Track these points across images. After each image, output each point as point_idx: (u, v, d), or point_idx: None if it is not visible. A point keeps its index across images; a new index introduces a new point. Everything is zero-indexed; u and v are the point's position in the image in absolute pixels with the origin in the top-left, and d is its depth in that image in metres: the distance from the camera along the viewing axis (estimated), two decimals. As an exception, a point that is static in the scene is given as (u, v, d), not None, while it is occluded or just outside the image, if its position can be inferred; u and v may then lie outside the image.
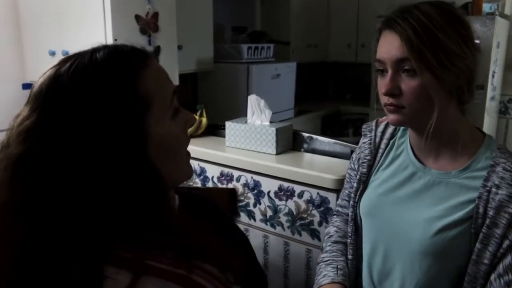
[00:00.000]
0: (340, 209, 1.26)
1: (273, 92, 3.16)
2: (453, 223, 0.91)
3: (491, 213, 0.87)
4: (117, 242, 0.61)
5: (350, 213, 1.15)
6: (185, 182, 0.83)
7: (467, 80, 0.89)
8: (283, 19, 3.66)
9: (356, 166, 1.15)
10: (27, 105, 0.63)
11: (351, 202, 1.14)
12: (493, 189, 0.88)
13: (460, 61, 0.87)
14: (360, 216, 1.11)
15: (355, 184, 1.13)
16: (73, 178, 0.59)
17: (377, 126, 1.13)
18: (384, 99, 0.93)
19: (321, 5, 3.96)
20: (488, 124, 3.16)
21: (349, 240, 1.16)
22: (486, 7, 2.98)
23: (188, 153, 0.76)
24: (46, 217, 0.59)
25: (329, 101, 4.18)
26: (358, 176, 1.13)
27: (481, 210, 0.88)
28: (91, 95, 0.61)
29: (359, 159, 1.14)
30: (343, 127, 3.84)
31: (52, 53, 2.22)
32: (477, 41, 0.92)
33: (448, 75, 0.87)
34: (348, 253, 1.15)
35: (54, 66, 0.65)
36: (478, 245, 0.88)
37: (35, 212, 0.58)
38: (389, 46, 0.90)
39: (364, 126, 1.17)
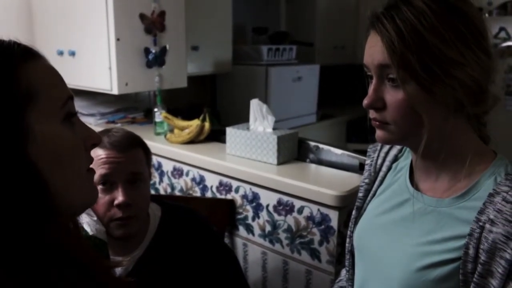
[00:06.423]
0: None
1: (294, 96, 3.02)
2: (437, 262, 0.74)
3: (483, 257, 0.69)
4: None
5: (347, 244, 1.01)
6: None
7: (469, 92, 0.71)
8: (309, 20, 3.52)
9: None
10: None
11: (348, 232, 1.00)
12: (487, 225, 0.69)
13: (458, 70, 0.70)
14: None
15: (353, 212, 0.99)
16: None
17: (382, 147, 0.98)
18: (369, 112, 0.79)
19: (349, 5, 3.78)
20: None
21: (347, 275, 1.01)
22: (527, 7, 2.73)
23: (90, 172, 0.63)
24: None
25: (356, 106, 3.97)
26: (356, 202, 0.99)
27: (471, 251, 0.70)
28: None
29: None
30: (370, 133, 3.64)
31: (60, 53, 2.19)
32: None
33: (440, 87, 0.70)
34: None
35: None
36: None
37: None
38: (371, 49, 0.75)
39: (370, 146, 1.02)
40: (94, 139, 0.63)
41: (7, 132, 0.52)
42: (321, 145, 1.65)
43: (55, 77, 0.60)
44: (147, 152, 1.17)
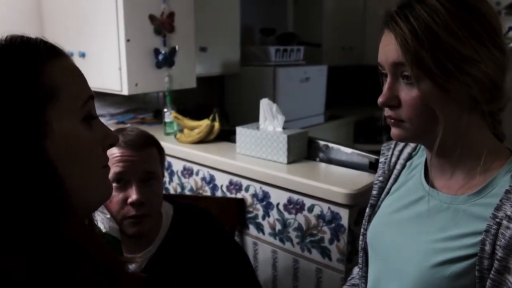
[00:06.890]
0: None
1: (301, 96, 3.03)
2: (453, 259, 0.74)
3: (500, 253, 0.69)
4: None
5: (360, 242, 1.01)
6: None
7: (484, 89, 0.72)
8: (316, 21, 3.52)
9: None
10: None
11: (362, 230, 1.01)
12: (504, 222, 0.69)
13: (472, 67, 0.70)
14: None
15: (367, 209, 1.00)
16: None
17: (396, 145, 0.99)
18: (384, 110, 0.80)
19: (356, 5, 3.78)
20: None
21: (360, 273, 1.02)
22: (537, 6, 2.71)
23: (105, 168, 0.64)
24: None
25: (364, 106, 3.98)
26: (370, 200, 0.99)
27: (487, 248, 0.70)
28: None
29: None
30: (378, 133, 3.64)
31: (70, 54, 2.19)
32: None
33: (455, 85, 0.71)
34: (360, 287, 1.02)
35: None
36: None
37: None
38: (385, 48, 0.76)
39: (384, 144, 1.04)
40: (112, 139, 0.64)
41: (27, 128, 0.53)
42: (330, 144, 1.65)
43: (78, 76, 0.62)
44: (160, 151, 1.18)
